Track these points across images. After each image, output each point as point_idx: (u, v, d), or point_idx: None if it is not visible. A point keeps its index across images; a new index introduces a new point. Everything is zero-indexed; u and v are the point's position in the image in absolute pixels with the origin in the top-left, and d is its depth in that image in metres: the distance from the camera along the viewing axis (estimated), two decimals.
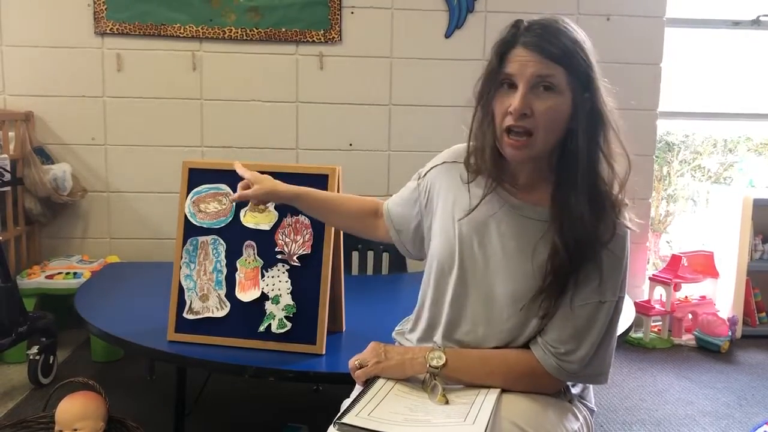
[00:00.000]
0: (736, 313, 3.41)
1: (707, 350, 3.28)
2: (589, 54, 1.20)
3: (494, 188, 1.29)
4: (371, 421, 1.16)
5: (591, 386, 1.41)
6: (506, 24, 1.27)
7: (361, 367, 1.35)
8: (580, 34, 1.21)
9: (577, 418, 1.30)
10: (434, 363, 1.26)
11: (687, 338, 3.40)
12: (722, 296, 3.52)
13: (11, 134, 3.07)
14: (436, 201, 1.39)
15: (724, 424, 2.51)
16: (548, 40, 1.17)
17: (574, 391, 1.33)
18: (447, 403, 1.22)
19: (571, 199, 1.21)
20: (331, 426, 1.18)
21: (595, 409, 1.40)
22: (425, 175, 1.43)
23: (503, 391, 1.25)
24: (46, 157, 3.22)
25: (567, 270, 1.21)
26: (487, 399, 1.21)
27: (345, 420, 1.17)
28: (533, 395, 1.26)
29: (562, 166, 1.24)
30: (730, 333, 3.30)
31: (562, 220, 1.22)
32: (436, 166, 1.42)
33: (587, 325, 1.23)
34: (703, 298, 3.52)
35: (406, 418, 1.18)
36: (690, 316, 3.44)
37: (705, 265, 3.56)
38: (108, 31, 3.24)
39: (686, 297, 3.49)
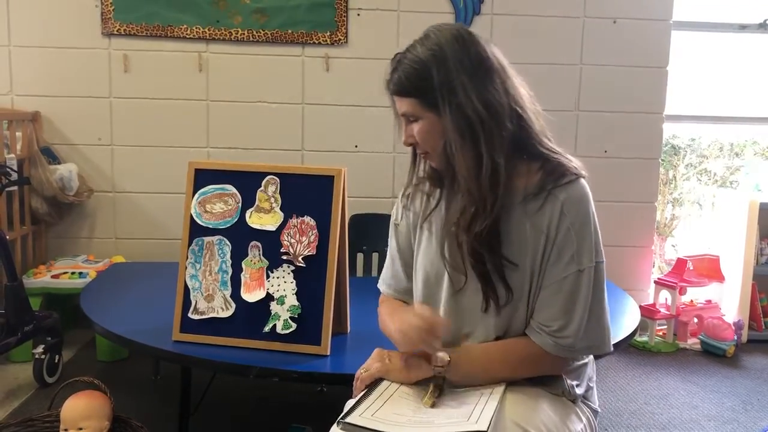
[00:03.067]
0: (742, 318, 3.40)
1: (712, 354, 3.27)
2: (446, 68, 1.22)
3: (443, 196, 1.35)
4: (375, 422, 1.17)
5: (594, 387, 1.41)
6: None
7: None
8: (437, 51, 1.23)
9: (580, 419, 1.30)
10: (438, 362, 1.26)
11: (692, 342, 3.38)
12: (728, 300, 3.51)
13: (18, 134, 3.08)
14: (418, 227, 1.41)
15: (729, 428, 2.50)
16: (398, 79, 1.26)
17: (578, 391, 1.33)
18: (433, 406, 1.22)
19: (457, 202, 1.28)
20: (335, 425, 1.18)
21: (599, 410, 1.40)
22: (401, 218, 1.45)
23: (506, 391, 1.25)
24: (53, 157, 3.24)
25: (486, 267, 1.25)
26: (491, 399, 1.21)
27: (349, 419, 1.17)
28: (537, 396, 1.26)
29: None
30: (735, 337, 3.29)
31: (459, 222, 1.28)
32: (404, 198, 1.44)
33: (572, 297, 1.24)
34: (709, 302, 3.51)
35: (410, 420, 1.18)
36: (695, 320, 3.43)
37: (711, 269, 3.55)
38: (115, 32, 3.25)
39: (692, 301, 3.48)
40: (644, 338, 3.36)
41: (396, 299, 1.49)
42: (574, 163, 1.30)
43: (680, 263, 3.45)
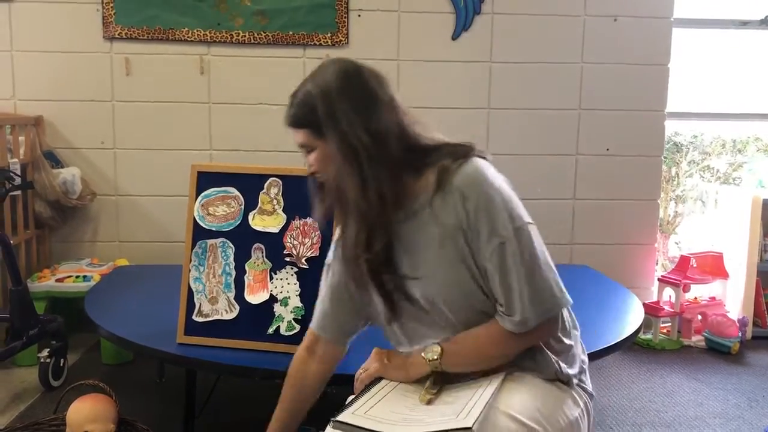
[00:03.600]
0: (746, 314, 3.40)
1: (717, 351, 3.26)
2: (329, 100, 1.31)
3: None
4: (366, 420, 1.17)
5: (587, 369, 1.42)
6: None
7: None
8: (322, 85, 1.32)
9: (577, 404, 1.30)
10: (431, 356, 1.30)
11: (697, 339, 3.38)
12: (732, 297, 3.51)
13: (21, 138, 3.09)
14: None
15: (734, 425, 2.50)
16: (292, 113, 1.36)
17: (571, 371, 1.33)
18: (429, 403, 1.23)
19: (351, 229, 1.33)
20: (329, 425, 1.19)
21: (594, 394, 1.41)
22: (333, 258, 1.48)
23: (504, 381, 1.27)
24: (56, 161, 3.24)
25: (387, 287, 1.33)
26: (484, 394, 1.21)
27: (340, 418, 1.17)
28: (532, 384, 1.27)
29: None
30: (740, 334, 3.29)
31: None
32: (337, 242, 1.47)
33: (503, 273, 1.25)
34: (713, 299, 3.50)
35: (404, 418, 1.18)
36: (699, 317, 3.43)
37: (714, 266, 3.55)
38: (117, 36, 3.26)
39: (695, 298, 3.47)
40: (648, 336, 3.35)
41: (323, 340, 1.50)
42: (465, 147, 1.33)
43: (683, 261, 3.44)
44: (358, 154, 1.27)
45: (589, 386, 1.39)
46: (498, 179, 1.30)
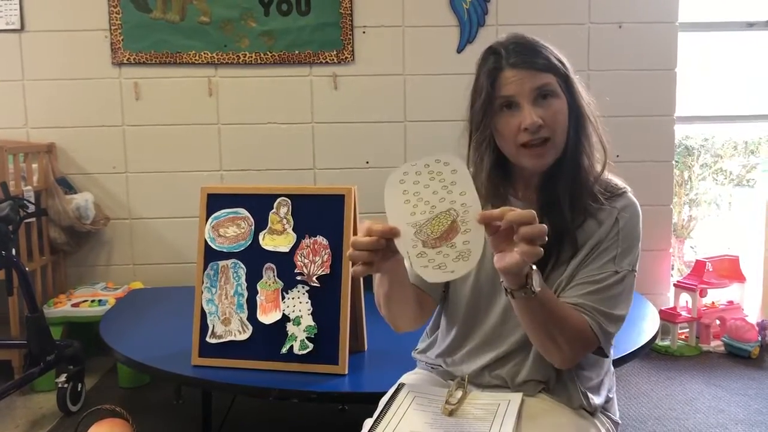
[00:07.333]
0: (766, 318, 3.35)
1: (737, 356, 3.23)
2: (562, 57, 1.31)
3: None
4: None
5: (615, 397, 1.39)
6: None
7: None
8: (548, 43, 1.32)
9: None
10: (527, 291, 1.12)
11: (715, 345, 3.34)
12: (750, 301, 3.46)
13: (34, 166, 3.13)
14: None
15: (757, 431, 2.47)
16: (531, 55, 1.26)
17: (597, 401, 1.31)
18: (450, 414, 1.22)
19: (556, 191, 1.28)
20: None
21: (620, 422, 1.38)
22: None
23: (522, 409, 1.24)
24: (69, 187, 3.28)
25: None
26: (504, 424, 1.19)
27: None
28: (553, 413, 1.25)
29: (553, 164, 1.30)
30: (759, 338, 3.25)
31: (546, 209, 1.27)
32: None
33: (614, 292, 1.24)
34: (731, 303, 3.46)
35: None
36: (718, 322, 3.39)
37: (731, 270, 3.51)
38: (125, 61, 3.30)
39: (713, 303, 3.44)
40: (666, 342, 3.32)
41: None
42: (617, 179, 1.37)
43: (699, 265, 3.41)
44: (592, 121, 1.33)
45: (615, 414, 1.37)
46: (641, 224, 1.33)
